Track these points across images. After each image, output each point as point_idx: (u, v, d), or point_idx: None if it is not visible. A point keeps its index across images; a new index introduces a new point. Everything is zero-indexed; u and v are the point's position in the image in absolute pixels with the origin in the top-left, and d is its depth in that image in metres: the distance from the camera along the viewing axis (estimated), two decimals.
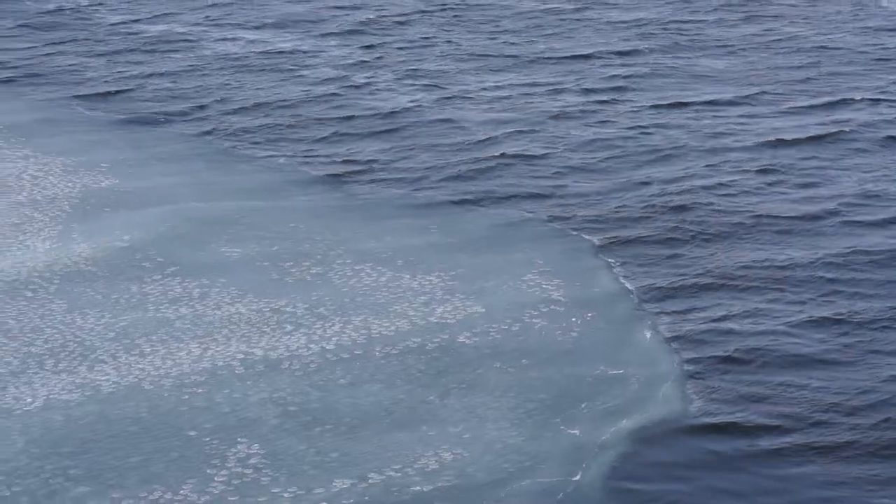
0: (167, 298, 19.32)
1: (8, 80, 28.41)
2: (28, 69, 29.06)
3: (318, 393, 17.00)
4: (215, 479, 15.12)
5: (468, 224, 22.06)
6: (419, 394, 16.93)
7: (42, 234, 21.24)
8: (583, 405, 16.74)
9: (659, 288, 19.85)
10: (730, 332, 18.80)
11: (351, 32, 31.48)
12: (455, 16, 33.49)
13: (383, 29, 31.94)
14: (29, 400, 16.51)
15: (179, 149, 24.69)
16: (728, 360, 17.95)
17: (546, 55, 31.31)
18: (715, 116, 27.70)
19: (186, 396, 16.84)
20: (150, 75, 28.34)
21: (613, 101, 28.26)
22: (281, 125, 25.73)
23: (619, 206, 22.48)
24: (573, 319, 18.82)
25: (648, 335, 18.62)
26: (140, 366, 17.45)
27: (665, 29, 33.99)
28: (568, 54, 31.37)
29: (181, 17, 32.84)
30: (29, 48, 30.78)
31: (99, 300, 19.23)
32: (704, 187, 23.68)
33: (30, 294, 19.42)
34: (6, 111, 25.65)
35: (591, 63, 30.98)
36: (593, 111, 27.53)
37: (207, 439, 15.92)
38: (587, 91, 28.85)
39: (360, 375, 17.43)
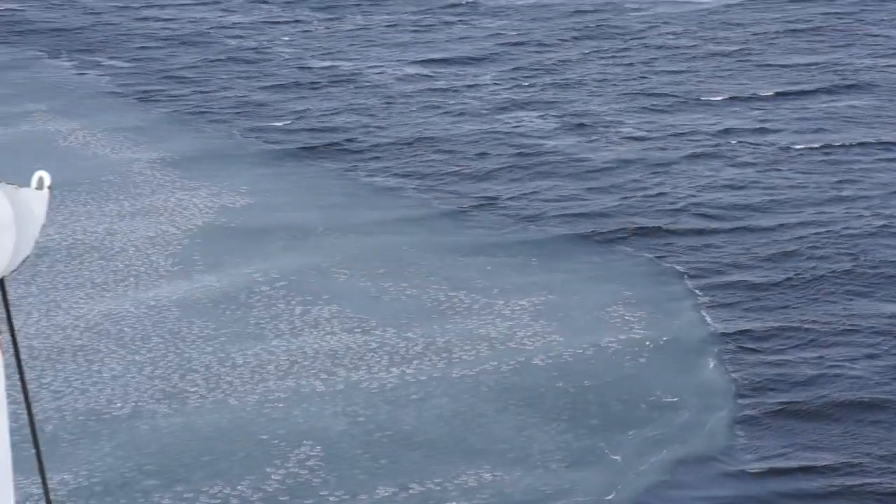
0: (275, 322, 20.95)
1: (182, 112, 30.61)
2: (200, 102, 31.21)
3: (388, 406, 18.30)
4: (272, 477, 16.61)
5: (572, 258, 22.87)
6: (478, 407, 18.06)
7: (175, 256, 23.15)
8: (630, 432, 17.49)
9: (742, 328, 20.30)
10: (800, 376, 19.13)
11: (509, 69, 32.61)
12: (613, 55, 34.23)
13: (540, 66, 32.95)
14: (119, 404, 18.37)
15: (324, 182, 26.16)
16: (789, 403, 18.32)
17: (695, 96, 31.78)
18: (851, 161, 27.70)
19: (267, 409, 18.36)
20: (307, 109, 30.03)
21: (752, 144, 28.56)
22: (427, 160, 26.85)
23: (729, 250, 22.87)
24: (646, 349, 19.51)
25: (714, 370, 19.16)
26: (229, 379, 19.11)
27: (824, 71, 33.95)
28: (722, 96, 31.77)
29: (347, 52, 34.63)
30: (206, 80, 33.08)
31: (211, 320, 20.97)
32: (818, 234, 23.83)
33: (151, 304, 21.37)
34: (167, 140, 27.73)
35: (741, 105, 31.30)
36: (731, 153, 27.90)
37: (275, 442, 17.44)
38: (727, 132, 29.20)
39: (431, 392, 18.63)
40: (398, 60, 33.28)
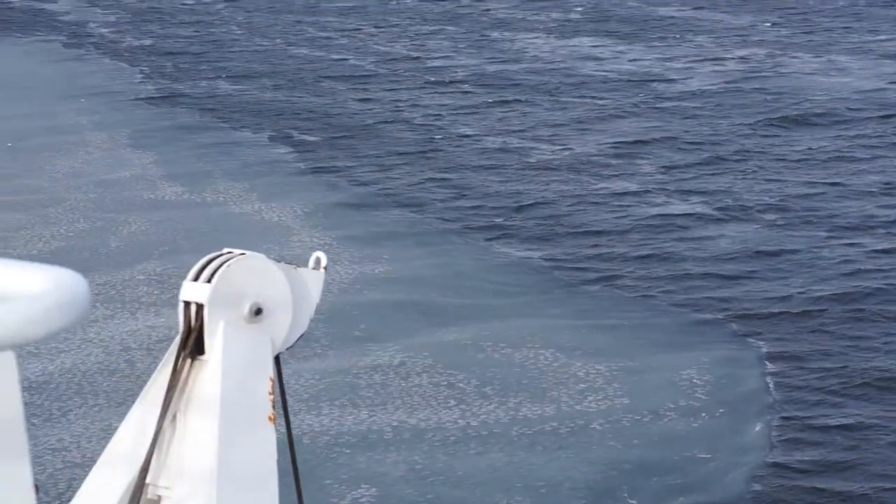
0: (356, 363, 22.29)
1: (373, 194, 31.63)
2: (378, 179, 32.00)
3: (445, 457, 19.36)
4: None
5: (658, 324, 23.32)
6: (526, 460, 18.94)
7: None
8: (654, 478, 18.09)
9: (803, 387, 20.44)
10: (849, 441, 19.29)
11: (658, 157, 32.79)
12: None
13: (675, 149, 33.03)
14: None
15: (436, 238, 27.13)
16: (828, 464, 18.51)
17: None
18: None
19: (334, 454, 19.66)
20: (437, 177, 31.14)
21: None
22: (555, 235, 27.04)
23: (808, 314, 22.90)
24: (702, 409, 19.91)
25: (760, 430, 19.48)
26: (299, 419, 20.51)
27: None
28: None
29: (517, 132, 35.57)
30: (395, 166, 34.61)
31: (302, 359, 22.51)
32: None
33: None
34: (344, 221, 28.18)
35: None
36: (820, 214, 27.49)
37: (336, 486, 18.75)
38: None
39: (490, 446, 19.58)
40: (566, 146, 34.13)
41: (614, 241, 24.65)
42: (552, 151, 31.56)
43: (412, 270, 24.16)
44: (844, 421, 19.30)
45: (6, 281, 2.41)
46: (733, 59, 44.25)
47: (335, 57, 48.31)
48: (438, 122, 35.42)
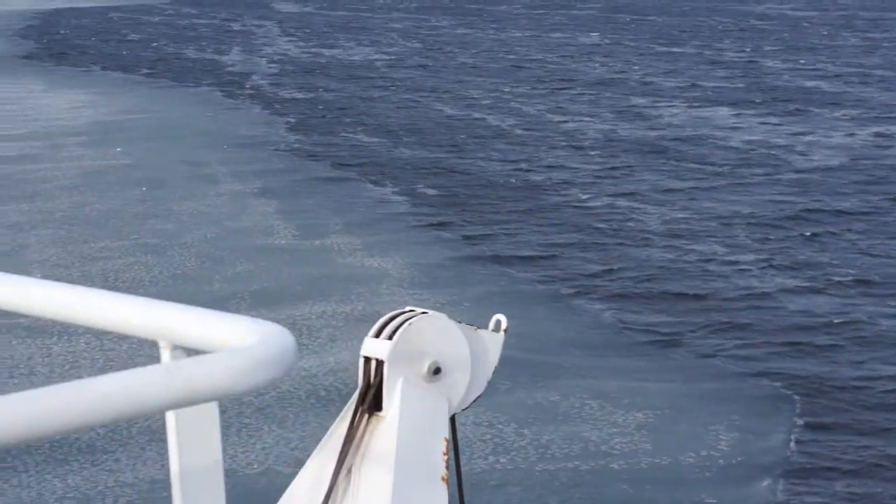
0: None
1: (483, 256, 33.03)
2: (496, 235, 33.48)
3: (467, 488, 20.04)
4: None
5: (711, 386, 23.27)
6: (544, 497, 19.36)
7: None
8: None
9: (836, 458, 20.39)
10: None
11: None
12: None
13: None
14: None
15: (527, 296, 27.69)
16: None
17: None
18: None
19: None
20: (543, 235, 31.78)
21: None
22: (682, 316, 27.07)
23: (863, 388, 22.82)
24: (731, 467, 19.99)
25: (780, 495, 19.51)
26: None
27: None
28: None
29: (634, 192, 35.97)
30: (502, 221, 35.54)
31: None
32: None
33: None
34: (457, 285, 29.43)
35: None
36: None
37: None
38: None
39: (510, 478, 20.00)
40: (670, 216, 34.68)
41: (696, 307, 24.97)
42: (660, 216, 31.95)
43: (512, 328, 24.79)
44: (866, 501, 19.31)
45: (214, 332, 2.40)
46: (869, 134, 43.94)
47: (475, 115, 49.50)
48: (557, 183, 36.11)
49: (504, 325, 6.69)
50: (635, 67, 66.16)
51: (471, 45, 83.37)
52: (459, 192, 34.96)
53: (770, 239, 29.64)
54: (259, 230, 30.36)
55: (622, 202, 33.49)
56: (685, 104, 51.51)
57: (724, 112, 49.36)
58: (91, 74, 68.72)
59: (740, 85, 57.37)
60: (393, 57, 76.08)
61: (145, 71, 69.65)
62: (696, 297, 25.39)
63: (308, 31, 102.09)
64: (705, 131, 44.61)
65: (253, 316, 2.41)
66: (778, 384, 21.74)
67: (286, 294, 25.03)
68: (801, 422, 20.97)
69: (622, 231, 30.38)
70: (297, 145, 42.99)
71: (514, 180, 36.47)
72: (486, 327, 6.59)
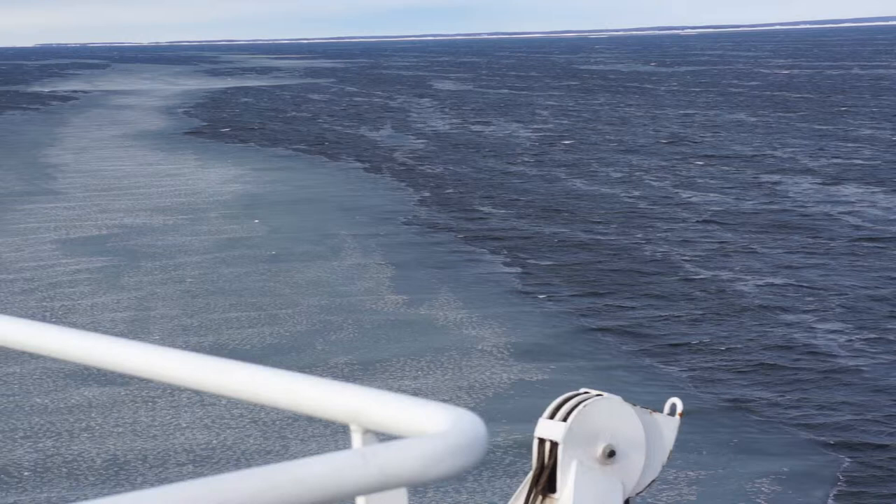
0: None
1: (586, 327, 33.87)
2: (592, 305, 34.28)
3: None
4: None
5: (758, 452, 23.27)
6: None
7: None
8: None
9: None
10: None
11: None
12: None
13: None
14: None
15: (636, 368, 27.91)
16: None
17: None
18: None
19: None
20: (650, 305, 32.13)
21: None
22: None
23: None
24: None
25: None
26: None
27: None
28: None
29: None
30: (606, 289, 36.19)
31: None
32: None
33: None
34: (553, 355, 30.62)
35: None
36: None
37: None
38: None
39: None
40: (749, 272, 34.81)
41: (777, 375, 25.34)
42: (768, 290, 32.25)
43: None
44: None
45: (406, 417, 2.38)
46: None
47: (606, 190, 50.32)
48: (669, 255, 36.65)
49: (679, 408, 6.65)
50: (775, 144, 66.19)
51: (620, 122, 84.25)
52: (575, 264, 35.68)
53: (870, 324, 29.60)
54: (372, 298, 31.60)
55: (730, 275, 33.88)
56: (817, 181, 51.45)
57: (851, 189, 49.20)
58: (247, 150, 71.65)
59: (876, 164, 56.96)
60: (540, 134, 77.40)
61: (299, 146, 72.30)
62: (784, 367, 25.78)
63: (461, 108, 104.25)
64: (827, 208, 44.60)
65: (443, 402, 2.37)
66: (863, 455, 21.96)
67: (393, 362, 25.78)
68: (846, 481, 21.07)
69: (731, 305, 30.72)
70: (425, 218, 44.39)
71: (629, 253, 37.14)
72: (661, 410, 6.64)
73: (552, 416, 6.33)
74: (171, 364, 2.79)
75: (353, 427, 2.46)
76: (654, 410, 6.61)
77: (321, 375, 2.61)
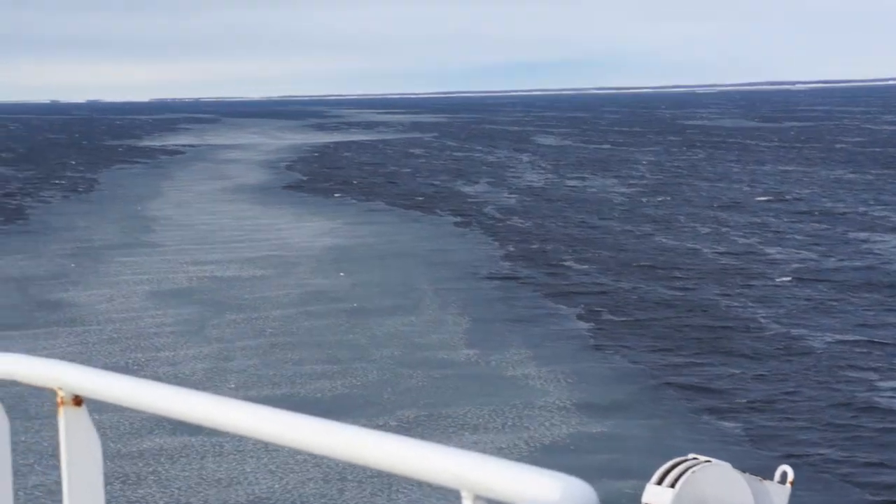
0: None
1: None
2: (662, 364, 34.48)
3: None
4: None
5: None
6: None
7: None
8: None
9: None
10: None
11: None
12: None
13: None
14: None
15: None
16: None
17: None
18: None
19: None
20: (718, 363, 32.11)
21: None
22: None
23: None
24: None
25: None
26: None
27: None
28: None
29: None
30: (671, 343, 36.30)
31: None
32: None
33: None
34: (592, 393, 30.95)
35: None
36: None
37: None
38: None
39: None
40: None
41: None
42: (849, 349, 32.14)
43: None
44: None
45: (517, 484, 2.37)
46: None
47: (690, 245, 50.40)
48: (745, 312, 36.66)
49: (790, 476, 6.54)
50: (870, 201, 65.63)
51: (716, 178, 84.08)
52: (652, 320, 35.84)
53: None
54: (445, 350, 32.10)
55: (806, 332, 33.82)
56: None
57: None
58: (342, 204, 72.90)
59: None
60: (633, 188, 77.64)
61: (394, 200, 73.39)
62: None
63: (559, 163, 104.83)
64: None
65: (551, 468, 2.40)
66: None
67: (458, 416, 26.21)
68: None
69: (806, 362, 30.68)
70: (507, 272, 44.89)
71: (707, 309, 37.20)
72: (771, 478, 6.51)
73: (660, 482, 6.27)
74: (275, 423, 2.89)
75: (463, 493, 2.48)
76: (765, 478, 6.47)
77: (426, 439, 2.70)
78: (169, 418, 3.34)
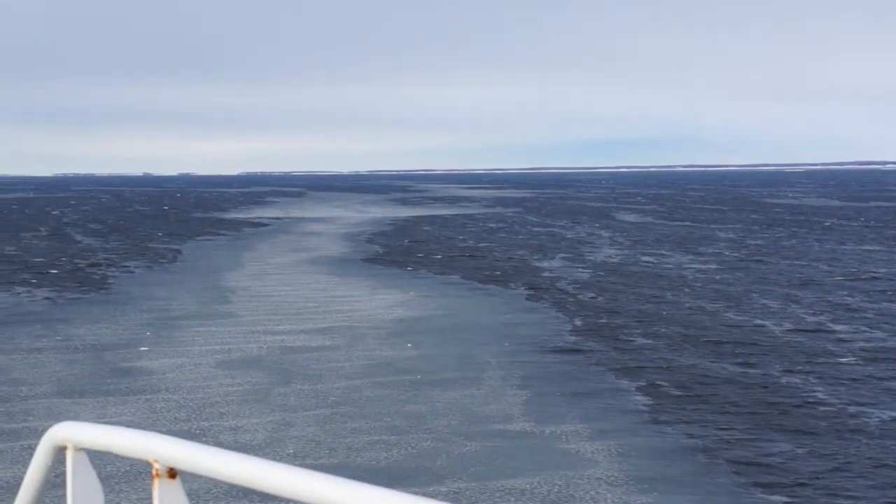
0: None
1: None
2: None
3: None
4: None
5: None
6: None
7: None
8: None
9: None
10: None
11: None
12: None
13: None
14: None
15: None
16: None
17: None
18: None
19: None
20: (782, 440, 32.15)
21: None
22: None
23: None
24: None
25: None
26: None
27: None
28: None
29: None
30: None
31: None
32: None
33: None
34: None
35: None
36: None
37: None
38: None
39: None
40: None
41: None
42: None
43: None
44: None
45: None
46: None
47: (757, 322, 50.39)
48: (802, 390, 36.64)
49: None
50: None
51: (795, 256, 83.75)
52: (710, 396, 35.98)
53: None
54: (501, 422, 32.50)
55: (859, 410, 33.75)
56: None
57: None
58: (417, 277, 73.75)
59: None
60: (707, 265, 77.64)
61: (469, 274, 74.10)
62: None
63: (636, 239, 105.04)
64: None
65: None
66: None
67: (507, 484, 26.63)
68: None
69: (862, 441, 30.65)
70: (571, 345, 45.23)
71: (763, 385, 37.25)
72: None
73: None
74: (362, 498, 2.97)
75: None
76: None
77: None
78: (258, 491, 3.41)
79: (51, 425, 4.50)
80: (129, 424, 34.14)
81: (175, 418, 33.35)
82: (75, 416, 33.25)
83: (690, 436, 31.29)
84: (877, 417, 32.85)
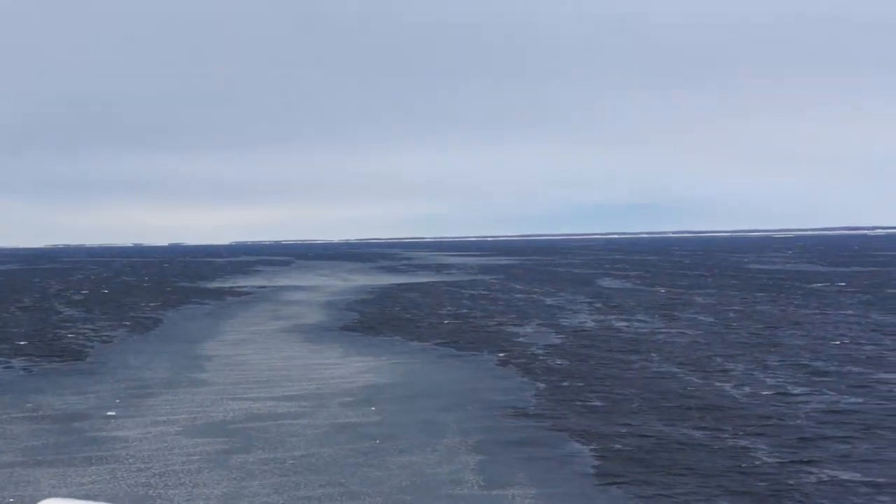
0: None
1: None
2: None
3: None
4: None
5: None
6: None
7: None
8: None
9: None
10: None
11: None
12: None
13: None
14: None
15: None
16: None
17: None
18: None
19: None
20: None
21: None
22: None
23: None
24: None
25: None
26: None
27: None
28: None
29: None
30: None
31: None
32: None
33: None
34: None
35: None
36: None
37: None
38: None
39: None
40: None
41: None
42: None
43: None
44: None
45: None
46: None
47: (717, 384, 51.17)
48: (757, 457, 37.35)
49: None
50: None
51: (767, 322, 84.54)
52: (663, 460, 36.58)
53: None
54: (451, 483, 33.26)
55: (803, 470, 34.48)
56: None
57: None
58: (391, 343, 74.48)
59: None
60: (677, 330, 78.46)
61: (441, 340, 74.82)
62: None
63: (613, 305, 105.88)
64: None
65: None
66: None
67: None
68: None
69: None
70: (534, 410, 45.96)
71: (712, 450, 37.98)
72: None
73: None
74: None
75: None
76: None
77: None
78: None
79: (24, 495, 5.20)
80: (92, 493, 34.95)
81: (135, 483, 34.01)
82: (38, 484, 33.91)
83: (639, 496, 32.00)
84: (815, 477, 33.59)
